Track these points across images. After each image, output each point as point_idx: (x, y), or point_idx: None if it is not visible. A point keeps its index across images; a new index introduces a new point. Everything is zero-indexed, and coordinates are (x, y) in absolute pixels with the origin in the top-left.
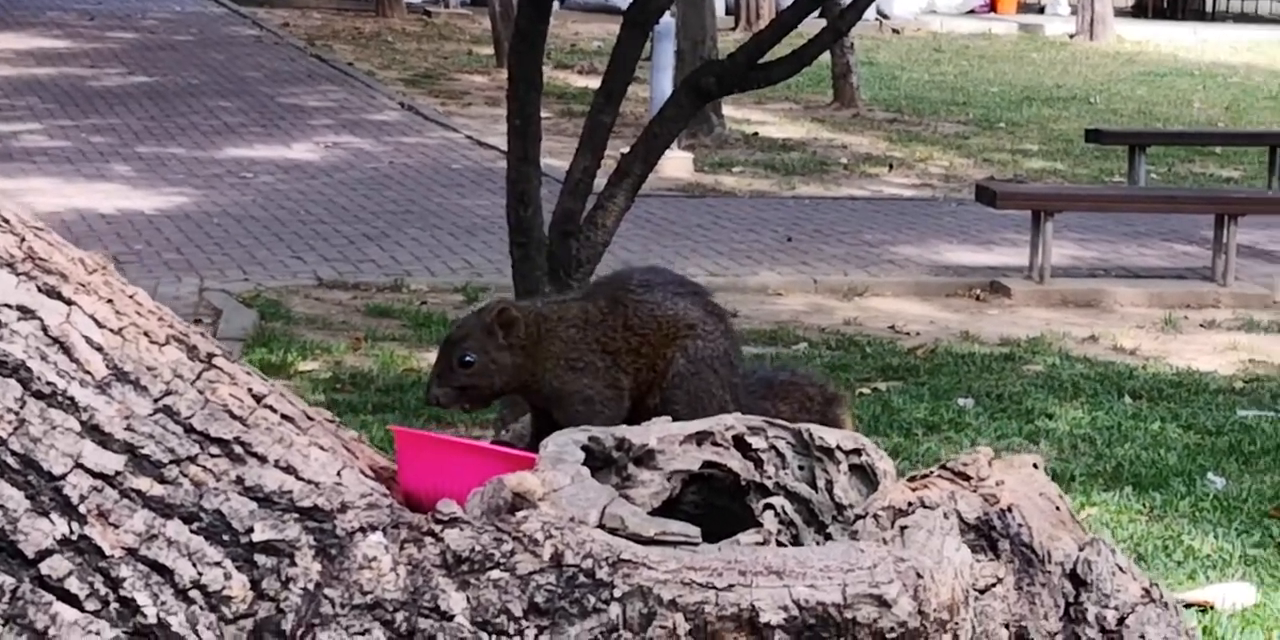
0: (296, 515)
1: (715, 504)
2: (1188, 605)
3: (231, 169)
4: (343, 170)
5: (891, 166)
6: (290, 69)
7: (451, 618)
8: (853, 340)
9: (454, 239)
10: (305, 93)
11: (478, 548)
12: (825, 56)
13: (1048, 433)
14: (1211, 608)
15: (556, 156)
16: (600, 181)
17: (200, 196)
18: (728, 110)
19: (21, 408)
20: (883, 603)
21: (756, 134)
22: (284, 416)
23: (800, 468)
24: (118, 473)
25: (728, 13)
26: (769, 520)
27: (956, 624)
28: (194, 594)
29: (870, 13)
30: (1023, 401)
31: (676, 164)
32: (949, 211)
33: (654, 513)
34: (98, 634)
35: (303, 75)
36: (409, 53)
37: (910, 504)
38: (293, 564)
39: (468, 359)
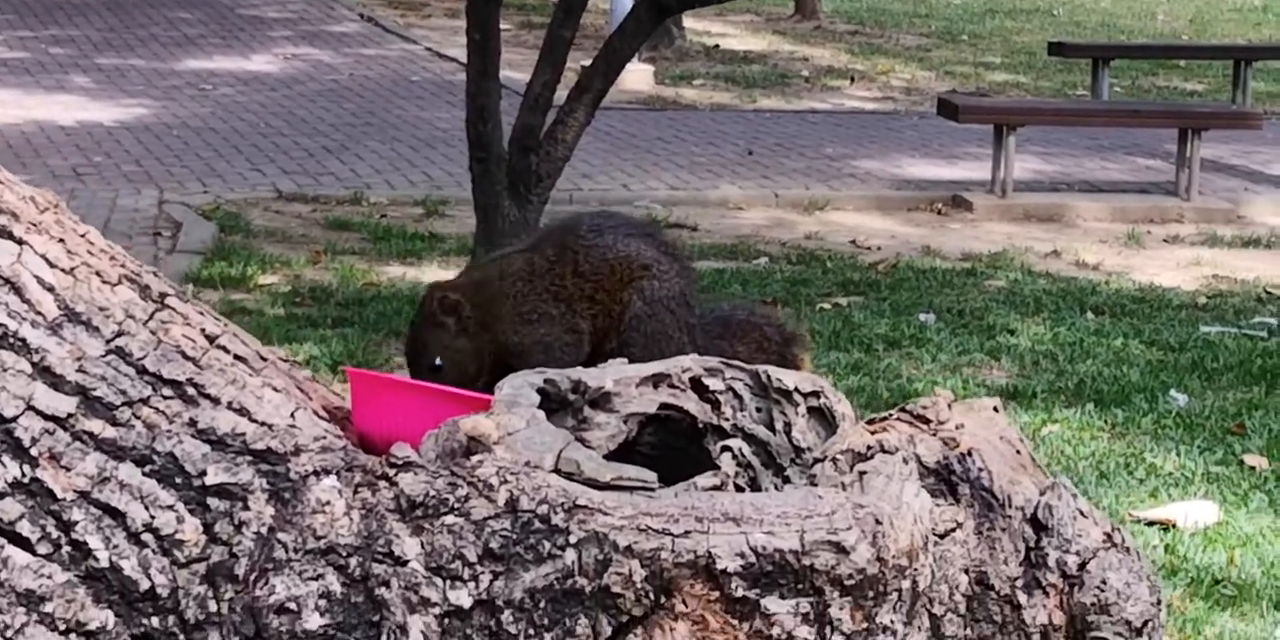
0: (250, 458)
1: (673, 446)
2: (1150, 523)
3: (191, 81)
4: (302, 82)
5: (853, 79)
6: None
7: (405, 563)
8: (814, 254)
9: (414, 152)
10: (264, 4)
11: (432, 493)
12: None
13: (1009, 349)
14: (1174, 526)
15: (517, 69)
16: (560, 95)
17: (159, 108)
18: (688, 22)
19: None
20: (841, 550)
21: (717, 46)
22: (237, 357)
23: (758, 410)
24: (69, 415)
25: None
26: (726, 462)
27: (916, 570)
28: (146, 538)
29: None
30: (984, 317)
31: (637, 77)
32: (910, 125)
33: (610, 455)
34: (49, 577)
35: None
36: None
37: (869, 448)
38: (246, 508)
39: (437, 364)
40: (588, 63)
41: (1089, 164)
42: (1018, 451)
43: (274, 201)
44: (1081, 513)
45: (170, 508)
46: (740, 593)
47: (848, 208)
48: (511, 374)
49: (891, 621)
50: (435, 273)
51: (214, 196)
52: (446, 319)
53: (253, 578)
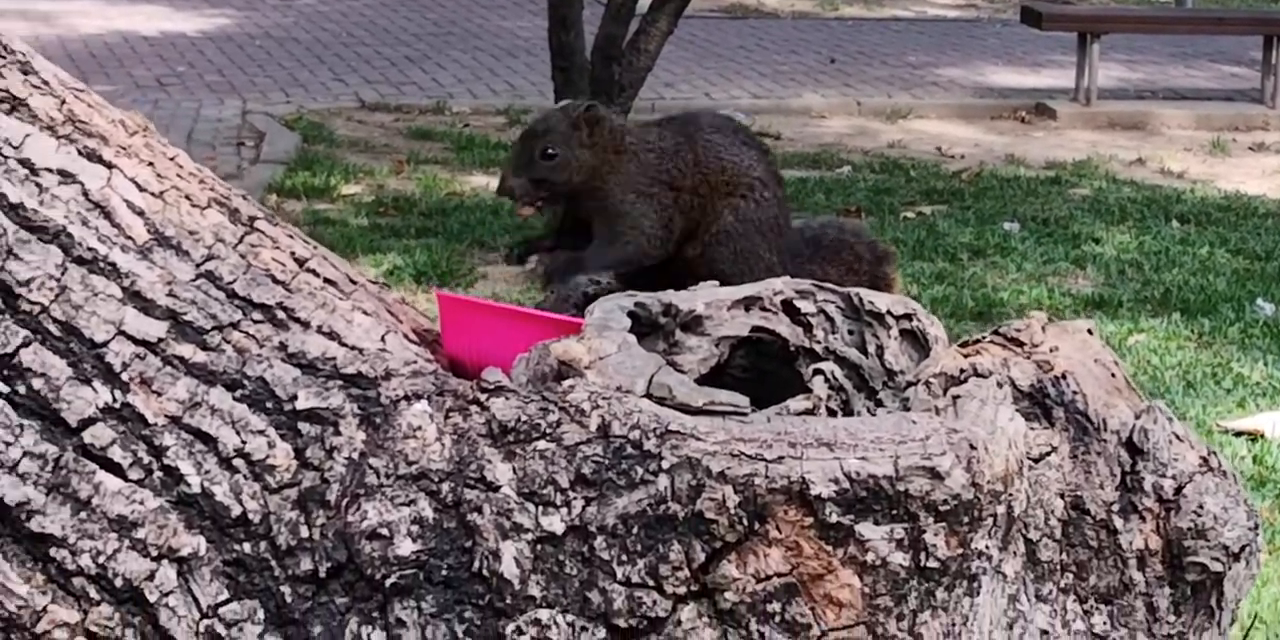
0: (340, 383)
1: (764, 369)
2: (1237, 434)
3: None
4: None
5: None
6: None
7: (498, 488)
8: (897, 163)
9: (496, 61)
10: None
11: (524, 417)
12: None
13: (1094, 257)
14: (1262, 436)
15: None
16: (643, 4)
17: (242, 18)
18: None
19: (63, 274)
20: (935, 475)
21: None
22: (327, 280)
23: (850, 333)
24: (160, 340)
25: None
26: (818, 385)
27: (1011, 495)
28: (238, 463)
29: None
30: (1069, 226)
31: None
32: (994, 32)
33: (701, 379)
34: (141, 503)
35: None
36: None
37: (962, 371)
38: (337, 433)
39: (550, 151)
40: None
41: (1173, 71)
42: (1112, 374)
43: (356, 111)
44: (1177, 436)
45: (261, 433)
46: (834, 519)
47: (931, 116)
48: (602, 297)
49: (986, 547)
50: None
51: (297, 106)
52: (585, 127)
53: (344, 503)
